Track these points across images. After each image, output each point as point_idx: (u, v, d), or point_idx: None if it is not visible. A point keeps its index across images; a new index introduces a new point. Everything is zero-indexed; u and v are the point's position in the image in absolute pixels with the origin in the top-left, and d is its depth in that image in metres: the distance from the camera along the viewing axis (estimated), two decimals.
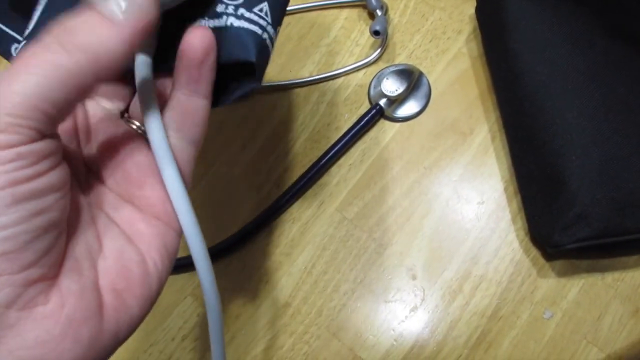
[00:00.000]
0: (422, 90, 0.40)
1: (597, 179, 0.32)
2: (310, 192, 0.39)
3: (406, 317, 0.35)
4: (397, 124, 0.40)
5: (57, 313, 0.16)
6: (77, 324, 0.16)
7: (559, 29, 0.35)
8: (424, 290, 0.36)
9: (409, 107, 0.40)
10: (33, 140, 0.15)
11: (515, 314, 0.34)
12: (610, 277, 0.34)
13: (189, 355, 0.36)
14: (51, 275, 0.16)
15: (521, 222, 0.36)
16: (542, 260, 0.35)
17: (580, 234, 0.31)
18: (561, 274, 0.35)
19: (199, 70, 0.19)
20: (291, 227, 0.38)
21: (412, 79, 0.40)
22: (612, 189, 0.31)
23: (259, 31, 0.20)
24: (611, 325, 0.33)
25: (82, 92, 0.16)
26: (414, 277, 0.36)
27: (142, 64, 0.20)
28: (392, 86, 0.39)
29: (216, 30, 0.20)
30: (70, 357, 0.16)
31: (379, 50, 0.41)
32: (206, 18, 0.20)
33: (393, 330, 0.35)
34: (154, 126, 0.19)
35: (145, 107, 0.19)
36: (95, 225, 0.19)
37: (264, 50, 0.21)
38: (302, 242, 0.38)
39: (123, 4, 0.16)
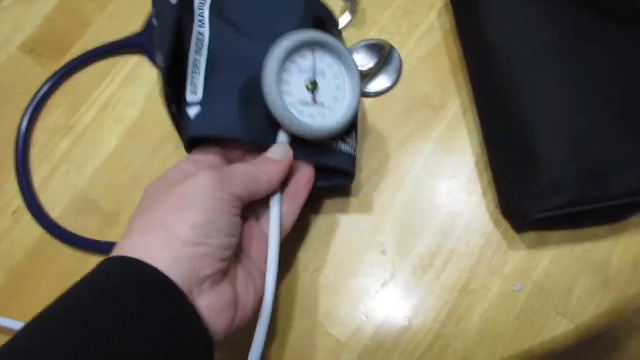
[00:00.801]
0: (394, 65, 0.40)
1: (567, 149, 0.31)
2: None
3: (377, 292, 0.35)
4: (369, 100, 0.39)
5: (227, 292, 0.26)
6: (230, 306, 0.26)
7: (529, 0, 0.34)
8: (394, 265, 0.35)
9: (380, 82, 0.39)
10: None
11: (486, 287, 0.34)
12: (580, 249, 0.34)
13: None
14: (227, 271, 0.26)
15: (492, 196, 0.36)
16: (512, 233, 0.35)
17: (550, 204, 0.31)
18: (531, 246, 0.34)
19: (304, 191, 0.31)
20: None
21: (383, 53, 0.39)
22: (581, 158, 0.31)
23: (353, 153, 0.33)
24: (580, 296, 0.33)
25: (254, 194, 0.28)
26: (384, 253, 0.35)
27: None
28: (363, 60, 0.38)
29: (331, 149, 0.32)
30: (220, 328, 0.25)
31: (347, 15, 0.40)
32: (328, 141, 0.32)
33: (364, 306, 0.34)
34: (275, 210, 0.30)
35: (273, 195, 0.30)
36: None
37: (354, 163, 0.33)
38: None
39: (280, 152, 0.30)
